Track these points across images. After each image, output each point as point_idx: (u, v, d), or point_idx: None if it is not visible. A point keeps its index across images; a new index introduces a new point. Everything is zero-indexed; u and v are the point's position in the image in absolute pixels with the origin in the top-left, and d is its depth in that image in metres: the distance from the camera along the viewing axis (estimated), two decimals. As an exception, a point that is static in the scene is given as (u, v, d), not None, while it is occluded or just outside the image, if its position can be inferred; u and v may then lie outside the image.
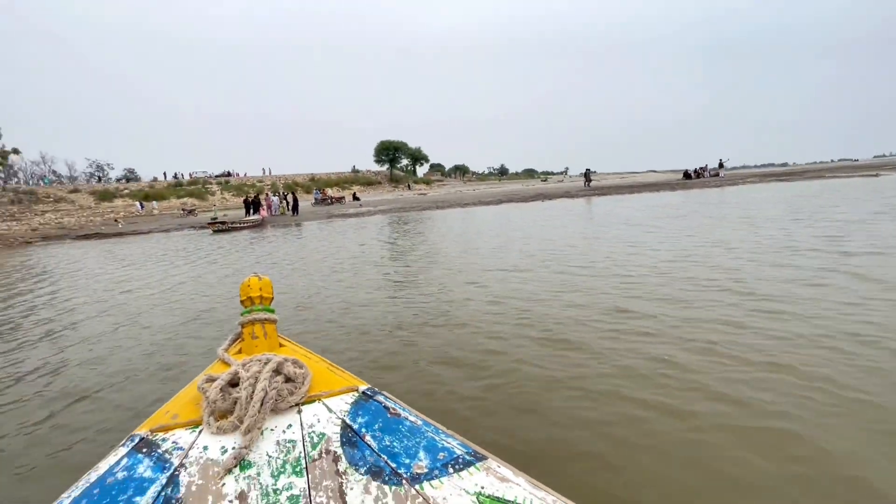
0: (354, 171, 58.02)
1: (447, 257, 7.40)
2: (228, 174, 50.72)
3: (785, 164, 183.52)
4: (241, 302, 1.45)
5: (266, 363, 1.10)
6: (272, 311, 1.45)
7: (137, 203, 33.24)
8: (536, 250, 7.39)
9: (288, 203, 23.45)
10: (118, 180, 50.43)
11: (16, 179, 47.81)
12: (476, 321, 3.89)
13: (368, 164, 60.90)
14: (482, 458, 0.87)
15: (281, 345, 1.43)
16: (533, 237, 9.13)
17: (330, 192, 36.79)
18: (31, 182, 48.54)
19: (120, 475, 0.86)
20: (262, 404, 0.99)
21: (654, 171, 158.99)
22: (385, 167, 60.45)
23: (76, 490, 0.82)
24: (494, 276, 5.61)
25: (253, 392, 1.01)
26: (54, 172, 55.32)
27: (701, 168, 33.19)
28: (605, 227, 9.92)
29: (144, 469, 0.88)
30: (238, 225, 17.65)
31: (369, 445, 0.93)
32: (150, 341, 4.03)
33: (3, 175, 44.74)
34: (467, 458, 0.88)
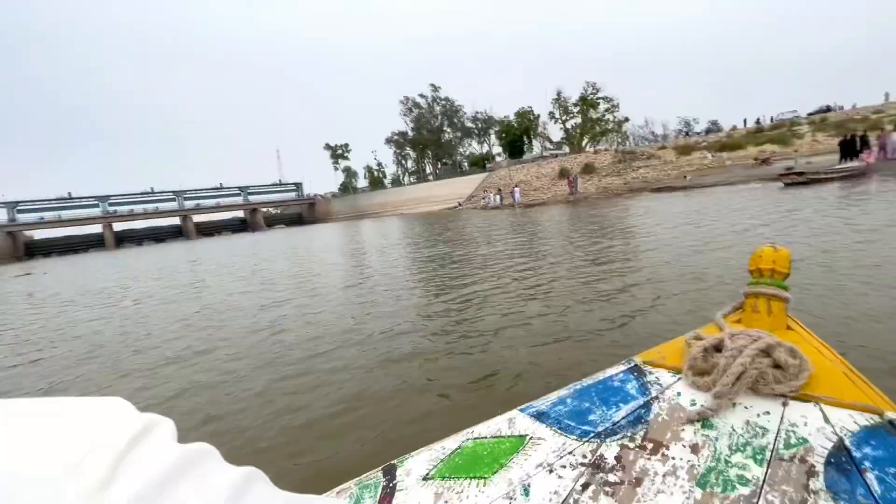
0: None
1: None
2: (828, 109, 40.34)
3: None
4: (750, 272, 1.37)
5: (755, 340, 1.02)
6: (785, 289, 1.25)
7: (708, 154, 33.62)
8: None
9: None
10: (698, 133, 53.28)
11: (627, 142, 62.27)
12: None
13: None
14: None
15: (789, 327, 1.23)
16: None
17: None
18: (636, 143, 61.45)
19: (616, 384, 1.08)
20: (738, 379, 0.95)
21: None
22: None
23: (590, 380, 1.10)
24: None
25: (732, 363, 0.99)
26: (652, 133, 66.73)
27: None
28: None
29: (632, 388, 1.06)
30: (823, 176, 13.57)
31: (867, 485, 0.71)
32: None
33: (619, 139, 59.55)
34: None
